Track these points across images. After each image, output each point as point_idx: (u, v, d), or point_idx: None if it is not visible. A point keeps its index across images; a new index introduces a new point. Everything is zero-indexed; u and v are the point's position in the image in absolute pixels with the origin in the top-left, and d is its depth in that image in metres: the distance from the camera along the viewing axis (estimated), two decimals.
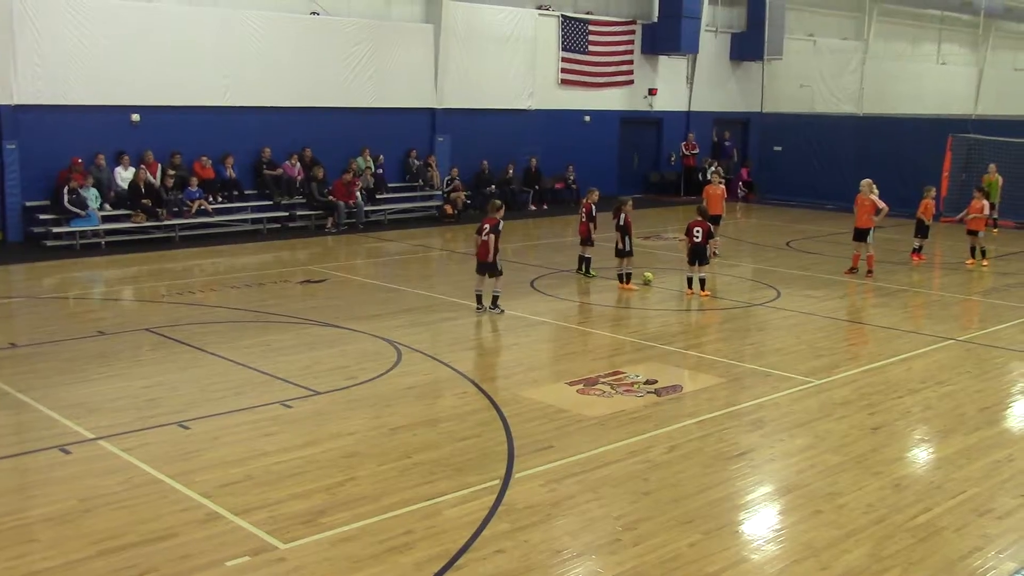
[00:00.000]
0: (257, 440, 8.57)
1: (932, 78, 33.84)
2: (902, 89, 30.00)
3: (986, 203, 19.40)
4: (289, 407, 9.51)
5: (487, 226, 13.73)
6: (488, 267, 13.81)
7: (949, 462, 8.55)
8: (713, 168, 28.88)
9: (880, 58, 30.53)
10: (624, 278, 16.04)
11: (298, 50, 22.27)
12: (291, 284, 16.15)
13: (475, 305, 14.06)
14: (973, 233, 19.01)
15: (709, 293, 15.52)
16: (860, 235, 17.44)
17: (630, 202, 16.59)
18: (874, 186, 17.48)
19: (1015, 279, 17.73)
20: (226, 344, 11.89)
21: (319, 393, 9.97)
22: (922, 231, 19.25)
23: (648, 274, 16.62)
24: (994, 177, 23.16)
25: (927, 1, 35.04)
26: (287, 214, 22.02)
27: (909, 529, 7.04)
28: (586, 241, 16.92)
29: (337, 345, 12.07)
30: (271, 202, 21.79)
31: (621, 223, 16.03)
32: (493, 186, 25.63)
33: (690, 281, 15.66)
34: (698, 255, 15.44)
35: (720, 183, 20.11)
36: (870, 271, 17.39)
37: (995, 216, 23.06)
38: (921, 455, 8.99)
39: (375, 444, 8.57)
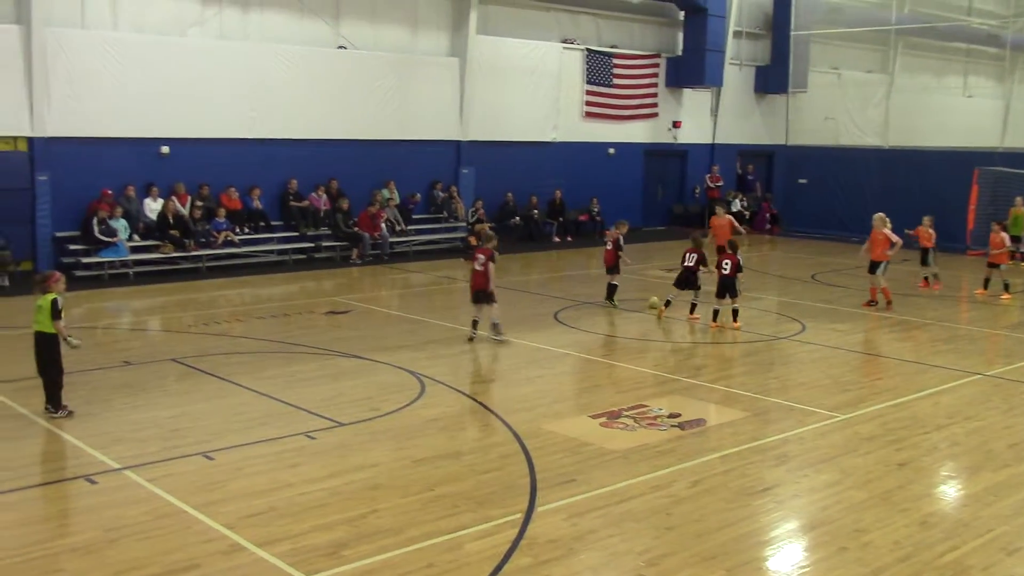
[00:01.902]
0: (281, 471, 8.60)
1: (958, 111, 33.68)
2: (928, 122, 29.87)
3: (1006, 236, 19.33)
4: (313, 438, 9.54)
5: (481, 256, 13.94)
6: (484, 296, 13.99)
7: (977, 499, 8.44)
8: (738, 199, 29.06)
9: (905, 91, 30.45)
10: (714, 315, 15.66)
11: (325, 83, 22.54)
12: (316, 315, 16.24)
13: (471, 332, 14.20)
14: (994, 266, 18.91)
15: (720, 325, 15.46)
16: (874, 268, 17.40)
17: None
18: (887, 220, 17.45)
19: None
20: (251, 375, 11.96)
21: (343, 424, 10.00)
22: (923, 259, 19.53)
23: (654, 299, 16.71)
24: (1021, 210, 23.05)
25: (953, 34, 34.94)
26: (313, 245, 22.18)
27: (936, 568, 6.96)
28: (612, 270, 16.98)
29: (361, 376, 12.12)
30: (297, 233, 21.98)
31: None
32: (517, 218, 25.75)
33: (716, 314, 15.65)
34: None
35: (726, 214, 20.23)
36: (889, 302, 17.31)
37: (1022, 249, 22.93)
38: (949, 492, 8.89)
39: (398, 476, 8.58)
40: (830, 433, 10.16)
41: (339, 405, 10.68)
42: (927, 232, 19.48)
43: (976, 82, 36.69)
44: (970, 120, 31.41)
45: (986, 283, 19.18)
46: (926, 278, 19.75)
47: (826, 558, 7.15)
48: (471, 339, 14.08)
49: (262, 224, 21.62)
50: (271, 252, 21.55)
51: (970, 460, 9.52)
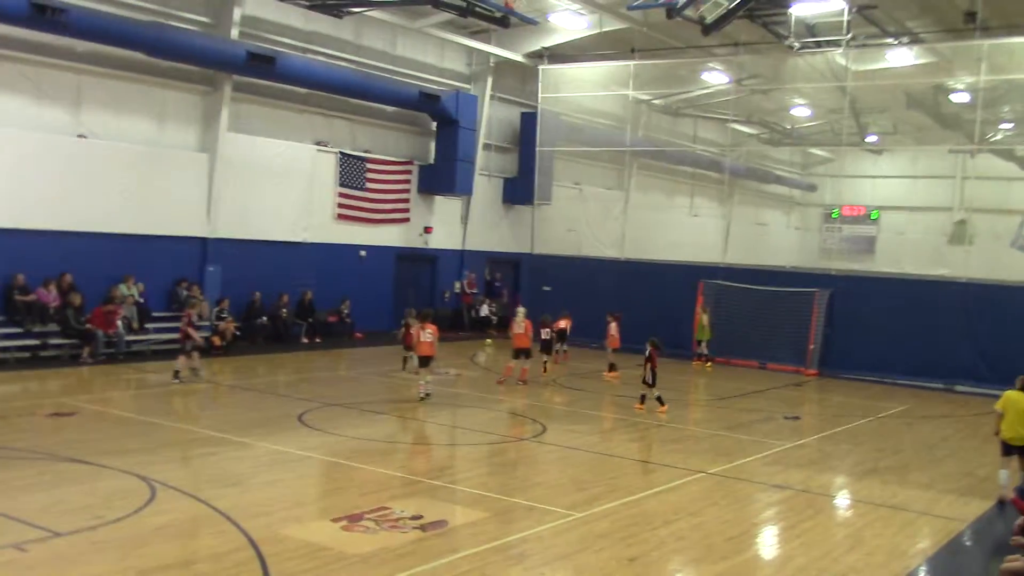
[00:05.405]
0: None
1: (686, 228, 36.53)
2: (660, 236, 32.13)
3: (614, 324, 22.95)
4: (24, 551, 8.73)
5: None
6: None
7: None
8: (486, 305, 29.95)
9: (640, 207, 32.68)
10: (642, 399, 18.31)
11: (61, 172, 21.32)
12: (37, 417, 15.05)
13: None
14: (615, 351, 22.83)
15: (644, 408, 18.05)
16: (521, 353, 20.67)
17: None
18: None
19: (757, 415, 19.03)
20: None
21: (60, 535, 9.24)
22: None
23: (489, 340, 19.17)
24: (703, 317, 25.90)
25: (681, 158, 38.15)
26: (38, 342, 20.65)
27: None
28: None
29: (84, 482, 11.28)
30: (21, 329, 20.39)
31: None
32: (265, 317, 25.19)
33: (643, 398, 18.15)
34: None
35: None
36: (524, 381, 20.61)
37: (703, 352, 26.02)
38: None
39: None
40: (566, 531, 10.46)
41: (57, 513, 9.86)
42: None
43: (701, 203, 40.06)
44: (696, 237, 34.08)
45: (611, 367, 22.53)
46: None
47: None
48: None
49: None
50: None
51: (694, 553, 10.08)
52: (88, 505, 10.27)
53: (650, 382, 18.08)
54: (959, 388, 23.52)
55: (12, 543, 8.90)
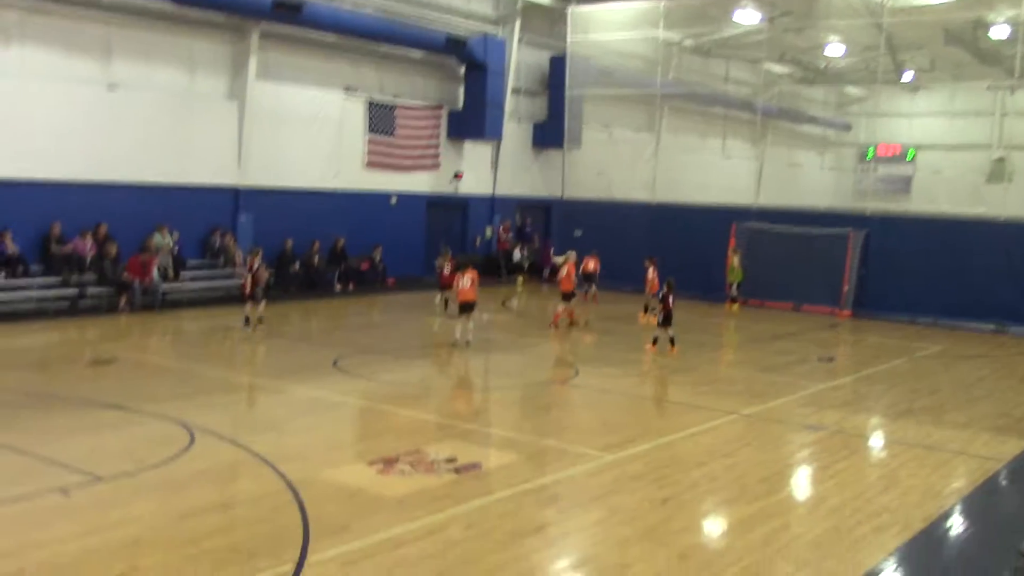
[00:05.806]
0: (31, 531, 8.01)
1: (718, 170, 36.13)
2: (691, 179, 31.81)
3: (651, 268, 22.23)
4: (68, 494, 8.95)
5: None
6: None
7: (732, 531, 8.97)
8: (517, 249, 29.88)
9: (671, 149, 32.34)
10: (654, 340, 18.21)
11: (93, 123, 21.44)
12: (77, 365, 15.31)
13: None
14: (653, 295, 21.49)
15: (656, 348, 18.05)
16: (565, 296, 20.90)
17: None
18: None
19: (792, 357, 18.96)
20: None
21: (102, 479, 9.44)
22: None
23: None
24: (734, 260, 25.83)
25: (712, 99, 37.64)
26: (76, 292, 20.93)
27: None
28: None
29: (124, 428, 11.50)
30: (59, 279, 20.67)
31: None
32: (297, 264, 25.33)
33: (656, 340, 18.18)
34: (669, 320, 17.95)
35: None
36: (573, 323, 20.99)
37: (732, 295, 25.91)
38: (706, 525, 9.40)
39: (161, 531, 8.17)
40: (599, 473, 10.52)
41: (99, 459, 10.06)
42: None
43: (733, 144, 39.57)
44: (728, 179, 33.72)
45: (646, 309, 22.17)
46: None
47: None
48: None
49: (21, 268, 20.17)
50: (28, 299, 20.13)
51: (727, 494, 10.11)
52: (128, 450, 10.47)
53: (661, 322, 18.00)
54: (1011, 330, 23.21)
55: (56, 487, 9.10)
